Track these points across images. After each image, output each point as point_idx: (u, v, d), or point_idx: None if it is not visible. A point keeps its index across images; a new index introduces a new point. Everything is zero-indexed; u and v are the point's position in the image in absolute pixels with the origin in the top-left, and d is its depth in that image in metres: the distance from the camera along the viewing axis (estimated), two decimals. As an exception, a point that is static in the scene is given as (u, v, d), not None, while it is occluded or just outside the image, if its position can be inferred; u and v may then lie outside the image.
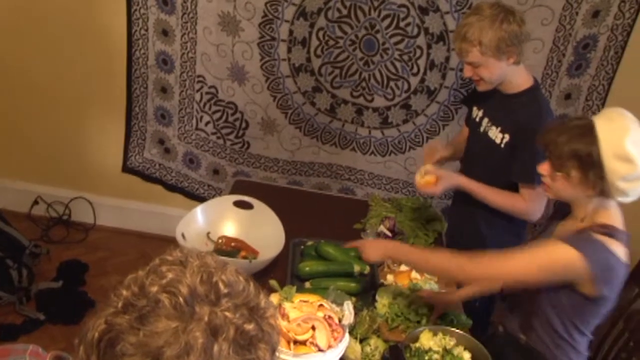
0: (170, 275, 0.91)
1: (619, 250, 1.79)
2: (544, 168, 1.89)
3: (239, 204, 2.53)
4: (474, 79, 2.35)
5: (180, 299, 0.88)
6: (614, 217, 1.85)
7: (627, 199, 1.79)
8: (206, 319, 0.87)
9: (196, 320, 0.87)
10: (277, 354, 0.97)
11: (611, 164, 1.72)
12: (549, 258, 1.80)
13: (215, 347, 0.86)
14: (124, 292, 0.91)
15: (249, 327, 0.90)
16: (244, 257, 2.35)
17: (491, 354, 1.90)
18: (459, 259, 1.92)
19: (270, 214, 2.48)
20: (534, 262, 1.82)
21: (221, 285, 0.92)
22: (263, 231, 2.45)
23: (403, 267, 2.37)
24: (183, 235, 2.31)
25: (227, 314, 0.89)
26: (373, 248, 2.14)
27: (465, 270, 1.91)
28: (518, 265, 1.84)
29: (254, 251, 2.41)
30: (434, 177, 2.39)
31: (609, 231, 1.80)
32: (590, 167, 1.76)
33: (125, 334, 0.87)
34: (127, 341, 0.86)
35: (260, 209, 2.51)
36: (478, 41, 2.22)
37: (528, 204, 2.33)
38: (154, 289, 0.89)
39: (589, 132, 1.76)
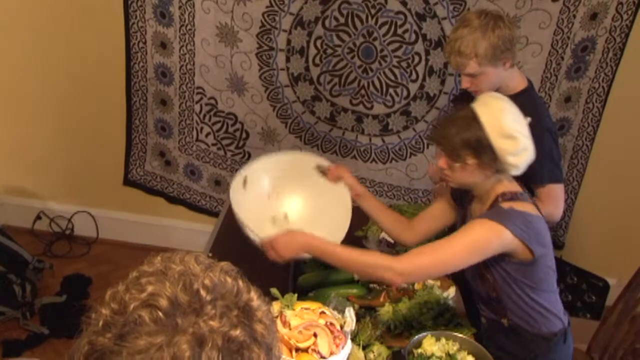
0: (149, 288, 0.88)
1: (527, 207, 1.93)
2: (442, 162, 1.97)
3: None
4: (472, 90, 2.31)
5: (160, 313, 0.85)
6: (509, 185, 1.97)
7: (519, 171, 1.93)
8: (190, 330, 0.85)
9: (180, 333, 0.85)
10: (275, 351, 0.95)
11: (499, 144, 1.85)
12: (473, 239, 1.89)
13: (204, 357, 0.84)
14: (104, 311, 0.88)
15: (236, 332, 0.87)
16: None
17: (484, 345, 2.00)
18: (387, 257, 1.91)
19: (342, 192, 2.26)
20: (461, 246, 1.89)
21: (203, 293, 0.88)
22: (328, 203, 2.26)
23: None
24: (245, 181, 2.13)
25: (211, 323, 0.86)
26: (284, 244, 1.96)
27: (394, 267, 1.87)
28: (448, 253, 1.90)
29: None
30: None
31: (512, 196, 1.93)
32: (483, 151, 1.87)
33: (109, 354, 0.85)
34: None
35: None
36: (474, 53, 2.20)
37: (545, 204, 2.26)
38: (133, 304, 0.86)
39: (472, 121, 1.87)
